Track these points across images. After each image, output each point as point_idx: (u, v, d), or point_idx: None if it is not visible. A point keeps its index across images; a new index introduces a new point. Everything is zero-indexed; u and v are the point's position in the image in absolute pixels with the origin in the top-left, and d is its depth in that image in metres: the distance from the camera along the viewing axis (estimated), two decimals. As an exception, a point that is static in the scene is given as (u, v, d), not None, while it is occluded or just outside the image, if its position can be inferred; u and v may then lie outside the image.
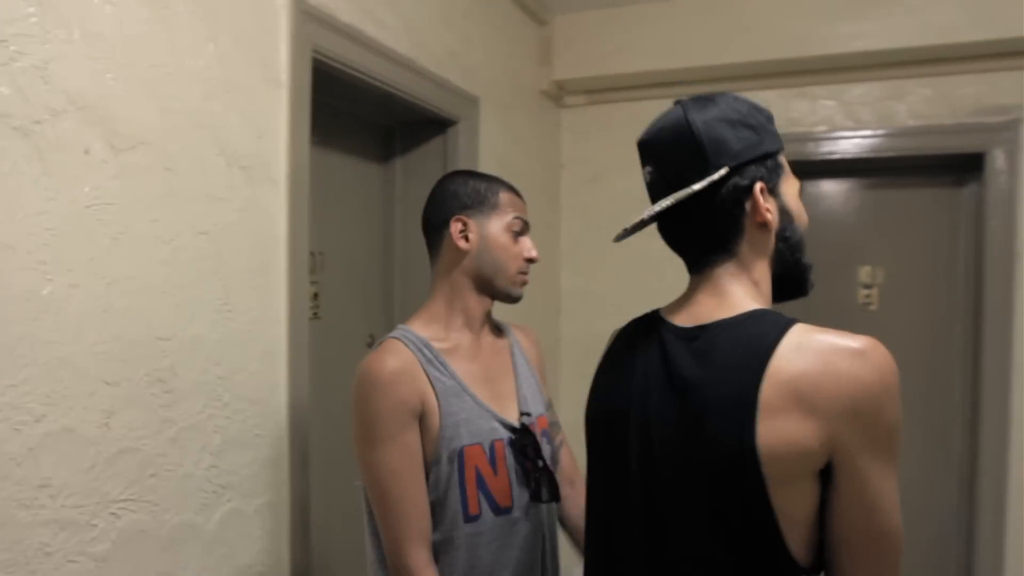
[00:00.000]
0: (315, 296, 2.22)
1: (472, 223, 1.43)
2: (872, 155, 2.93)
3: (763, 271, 1.04)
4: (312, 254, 2.19)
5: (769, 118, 1.07)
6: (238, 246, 1.53)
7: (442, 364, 1.37)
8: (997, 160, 2.75)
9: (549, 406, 1.54)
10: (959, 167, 2.92)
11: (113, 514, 1.25)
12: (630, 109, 3.22)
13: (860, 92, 2.93)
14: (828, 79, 2.94)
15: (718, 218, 1.02)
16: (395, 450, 1.28)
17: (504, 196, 1.46)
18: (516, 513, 1.37)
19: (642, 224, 1.09)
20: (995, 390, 2.72)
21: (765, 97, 3.02)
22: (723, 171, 0.98)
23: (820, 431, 0.87)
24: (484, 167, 2.58)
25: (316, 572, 1.89)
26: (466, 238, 1.42)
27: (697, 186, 0.98)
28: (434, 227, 1.47)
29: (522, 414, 1.42)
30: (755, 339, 0.93)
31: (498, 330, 1.55)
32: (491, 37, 2.65)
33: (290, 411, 1.66)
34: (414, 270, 2.49)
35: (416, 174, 2.48)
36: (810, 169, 3.14)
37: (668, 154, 1.06)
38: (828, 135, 2.97)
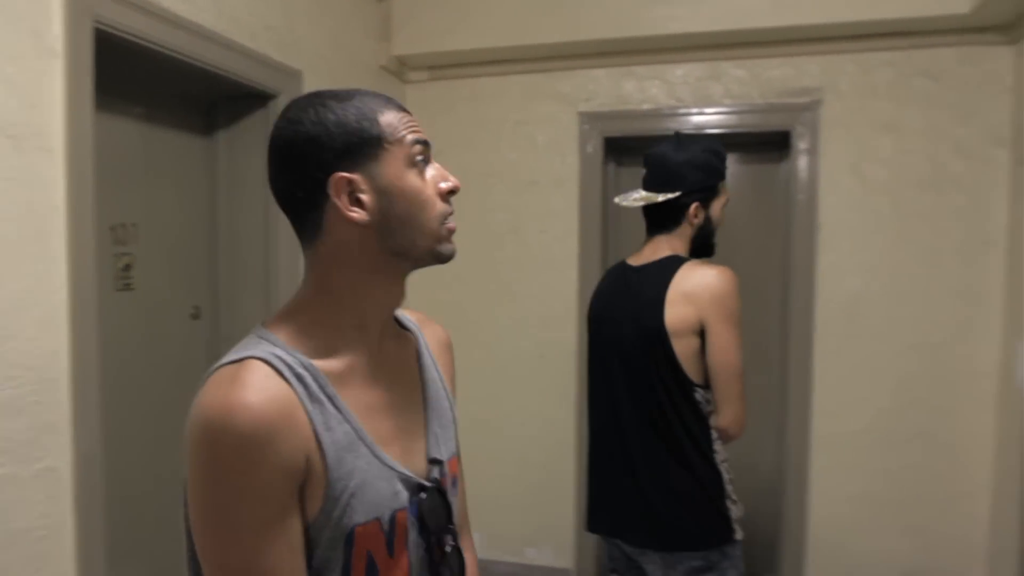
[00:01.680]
0: (127, 267, 2.23)
1: (359, 178, 0.90)
2: (694, 132, 3.11)
3: (685, 242, 1.89)
4: (119, 225, 2.21)
5: (722, 159, 1.90)
6: (5, 215, 1.54)
7: (330, 399, 0.89)
8: (801, 138, 2.97)
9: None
10: (776, 145, 3.15)
11: None
12: (471, 85, 3.32)
13: (681, 73, 3.10)
14: (652, 59, 3.10)
15: (669, 215, 1.87)
16: (267, 545, 0.81)
17: (389, 117, 0.93)
18: None
19: (633, 203, 1.90)
20: (800, 337, 3.02)
21: (596, 76, 3.17)
22: (677, 194, 1.84)
23: (696, 312, 1.74)
24: (312, 140, 2.62)
25: (117, 535, 1.93)
26: (359, 203, 0.90)
27: (660, 198, 1.85)
28: (299, 200, 0.92)
29: (431, 461, 1.02)
30: (666, 269, 1.80)
31: (399, 327, 1.09)
32: (317, 11, 2.68)
33: (73, 377, 1.68)
34: (240, 242, 2.53)
35: (239, 147, 2.51)
36: (641, 146, 3.31)
37: (654, 169, 1.89)
38: (654, 113, 3.13)
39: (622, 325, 1.83)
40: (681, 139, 1.89)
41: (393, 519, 0.93)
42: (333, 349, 0.93)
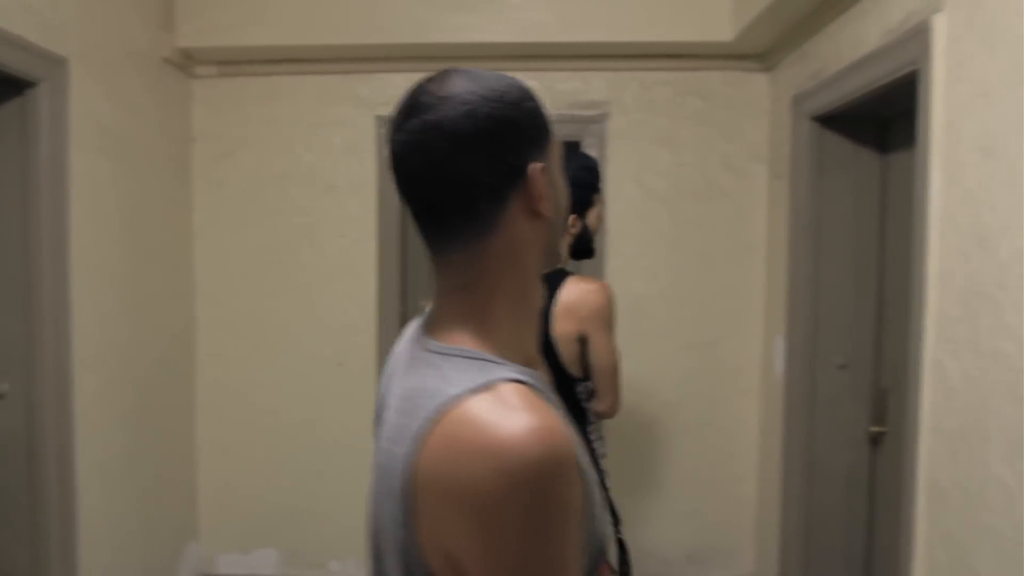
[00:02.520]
0: None
1: (545, 169, 0.84)
2: (572, 150, 3.18)
3: (566, 250, 2.15)
4: None
5: (596, 174, 2.14)
6: None
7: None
8: (590, 149, 3.13)
9: None
10: (566, 151, 3.29)
11: None
12: (265, 84, 3.20)
13: (478, 81, 3.17)
14: (451, 66, 3.14)
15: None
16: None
17: (543, 110, 0.87)
18: None
19: None
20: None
21: (395, 80, 3.17)
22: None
23: (578, 324, 1.97)
24: (80, 135, 2.41)
25: None
26: (542, 197, 0.83)
27: None
28: (482, 188, 0.80)
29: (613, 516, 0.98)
30: (552, 284, 1.98)
31: None
32: (87, -6, 2.46)
33: None
34: (-8, 244, 2.26)
35: (-10, 138, 2.24)
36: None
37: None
38: (452, 120, 3.17)
39: None
40: (571, 151, 2.10)
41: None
42: (523, 361, 0.83)
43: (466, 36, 2.95)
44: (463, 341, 0.80)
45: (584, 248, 2.16)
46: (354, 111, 3.20)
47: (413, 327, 0.92)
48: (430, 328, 0.84)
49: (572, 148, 2.13)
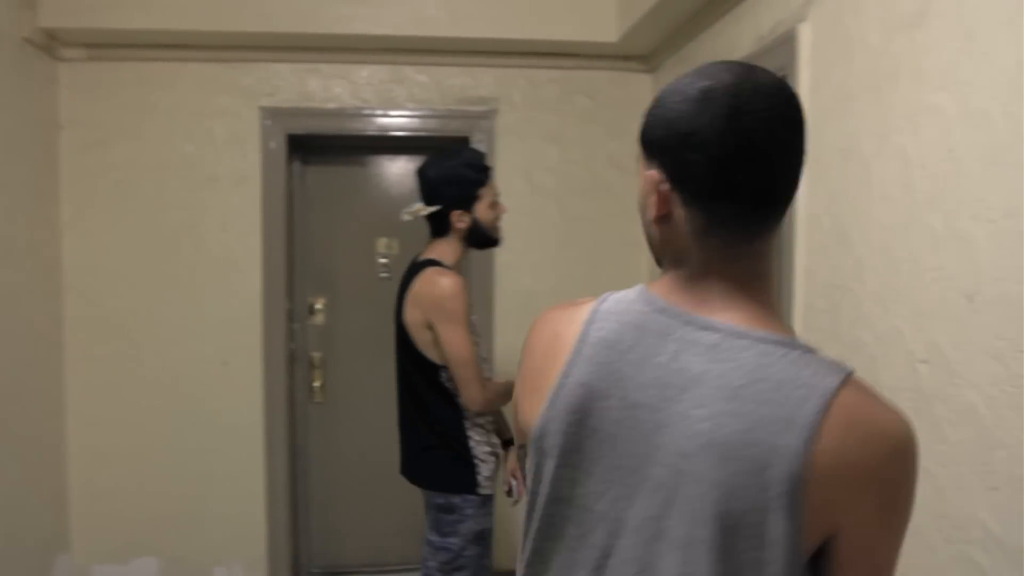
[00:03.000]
0: None
1: None
2: (380, 134, 3.15)
3: (457, 244, 2.18)
4: None
5: (478, 169, 2.17)
6: None
7: None
8: (479, 144, 3.15)
9: None
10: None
11: None
12: (140, 69, 3.05)
13: (366, 74, 3.13)
14: (337, 58, 3.09)
15: (439, 223, 2.18)
16: None
17: None
18: None
19: (408, 215, 2.22)
20: (483, 330, 3.14)
21: (279, 71, 3.08)
22: (438, 207, 2.14)
23: (423, 313, 2.08)
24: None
25: None
26: None
27: (424, 211, 2.16)
28: (799, 183, 0.91)
29: None
30: (412, 272, 2.16)
31: None
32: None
33: None
34: None
35: None
36: (328, 145, 3.28)
37: (419, 184, 2.18)
38: (339, 112, 3.12)
39: (394, 314, 2.23)
40: (437, 156, 2.18)
41: None
42: None
43: (354, 27, 2.90)
44: (784, 331, 0.83)
45: (483, 239, 2.21)
46: (237, 101, 3.09)
47: (643, 313, 0.87)
48: (728, 315, 0.83)
49: (460, 144, 2.15)
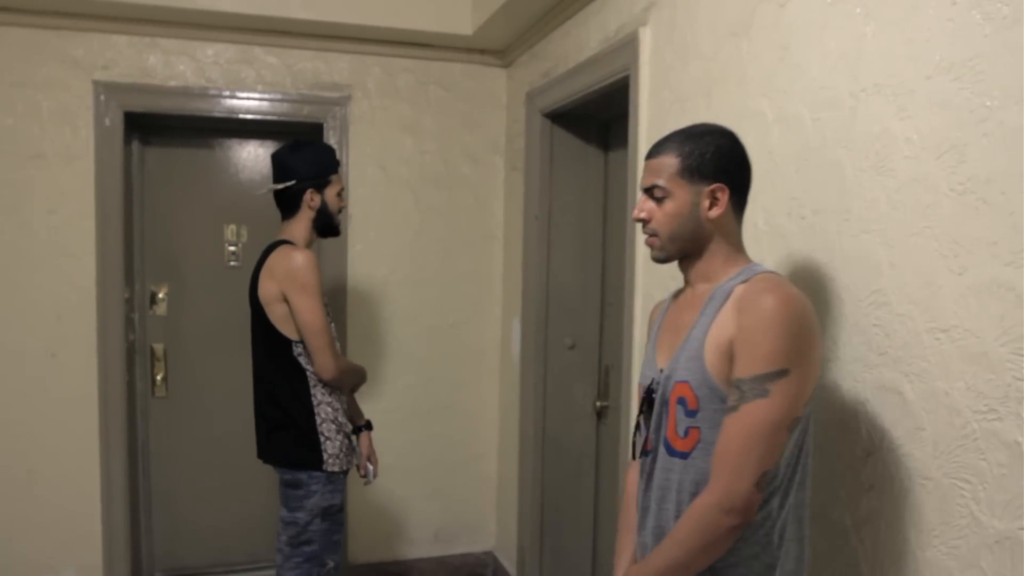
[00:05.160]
0: None
1: None
2: (226, 116, 3.02)
3: (306, 225, 2.24)
4: None
5: (332, 156, 2.29)
6: None
7: None
8: (332, 131, 3.09)
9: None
10: (311, 136, 3.21)
11: None
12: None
13: (212, 52, 2.99)
14: (180, 34, 2.93)
15: (290, 202, 2.24)
16: None
17: None
18: None
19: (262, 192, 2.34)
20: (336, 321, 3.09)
21: (116, 43, 2.91)
22: (292, 182, 2.20)
23: (277, 285, 2.13)
24: None
25: None
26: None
27: (280, 186, 2.22)
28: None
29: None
30: (268, 251, 2.22)
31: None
32: None
33: None
34: None
35: None
36: (171, 124, 3.12)
37: (274, 166, 2.25)
38: (183, 91, 2.97)
39: (249, 295, 2.26)
40: (296, 143, 2.28)
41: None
42: None
43: (198, 3, 2.76)
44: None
45: (326, 225, 2.28)
46: (67, 72, 2.86)
47: None
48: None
49: (299, 142, 2.28)
